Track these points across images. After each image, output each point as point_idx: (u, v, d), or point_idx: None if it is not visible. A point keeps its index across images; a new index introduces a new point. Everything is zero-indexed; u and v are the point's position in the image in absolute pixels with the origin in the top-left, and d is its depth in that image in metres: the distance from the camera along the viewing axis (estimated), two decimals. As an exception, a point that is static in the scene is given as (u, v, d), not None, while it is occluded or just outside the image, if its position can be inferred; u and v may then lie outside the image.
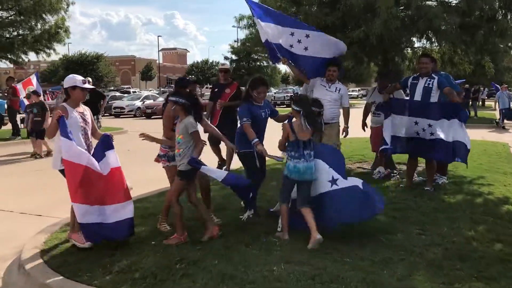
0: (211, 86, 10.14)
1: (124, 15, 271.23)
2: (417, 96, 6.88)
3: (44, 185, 8.14)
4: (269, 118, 5.78)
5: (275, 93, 44.94)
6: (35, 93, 12.45)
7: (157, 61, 78.65)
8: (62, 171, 4.71)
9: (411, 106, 7.06)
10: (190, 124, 4.77)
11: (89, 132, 4.96)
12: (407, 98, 7.44)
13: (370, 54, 8.27)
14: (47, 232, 5.35)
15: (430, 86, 6.79)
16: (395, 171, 8.52)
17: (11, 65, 17.79)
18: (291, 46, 6.87)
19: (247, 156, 5.58)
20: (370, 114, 8.55)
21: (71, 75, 4.95)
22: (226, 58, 35.50)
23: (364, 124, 8.51)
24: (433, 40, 8.42)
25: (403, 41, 7.64)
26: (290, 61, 6.99)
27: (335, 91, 7.06)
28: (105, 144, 4.83)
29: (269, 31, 6.72)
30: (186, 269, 4.12)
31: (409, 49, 8.72)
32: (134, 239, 4.93)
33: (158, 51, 77.10)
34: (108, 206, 4.69)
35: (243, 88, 7.04)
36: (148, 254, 4.50)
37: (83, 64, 52.94)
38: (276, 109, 6.06)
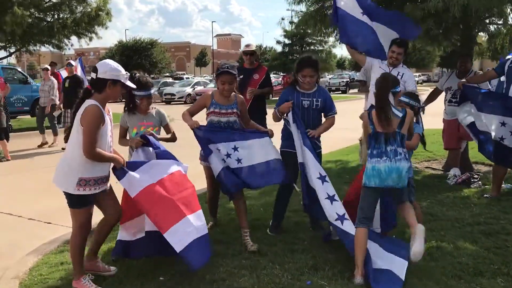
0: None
1: (181, 1, 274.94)
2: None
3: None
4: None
5: (330, 78, 43.05)
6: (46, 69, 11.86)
7: (211, 47, 78.32)
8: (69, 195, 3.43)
9: (497, 101, 5.57)
10: None
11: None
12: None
13: (448, 30, 6.64)
14: (39, 253, 4.34)
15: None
16: (474, 175, 6.94)
17: (73, 52, 17.33)
18: (363, 13, 5.74)
19: (284, 156, 4.51)
20: (445, 103, 7.03)
21: (111, 63, 3.48)
22: (278, 42, 33.93)
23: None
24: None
25: (495, 13, 5.96)
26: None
27: (398, 75, 5.67)
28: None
29: None
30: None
31: (497, 25, 6.94)
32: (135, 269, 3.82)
33: (213, 37, 77.20)
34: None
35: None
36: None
37: (138, 50, 53.01)
38: (335, 108, 4.67)
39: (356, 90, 40.93)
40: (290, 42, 32.93)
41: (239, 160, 4.28)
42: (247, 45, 7.05)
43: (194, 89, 29.46)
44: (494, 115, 5.62)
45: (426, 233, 3.75)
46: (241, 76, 6.79)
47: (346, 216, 3.90)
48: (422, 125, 4.49)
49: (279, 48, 35.21)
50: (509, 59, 5.77)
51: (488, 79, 6.35)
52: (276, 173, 4.32)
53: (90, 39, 15.05)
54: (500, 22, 6.36)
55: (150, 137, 3.98)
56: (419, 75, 57.63)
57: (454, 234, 4.53)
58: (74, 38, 15.26)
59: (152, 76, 52.99)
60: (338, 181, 6.79)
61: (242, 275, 3.66)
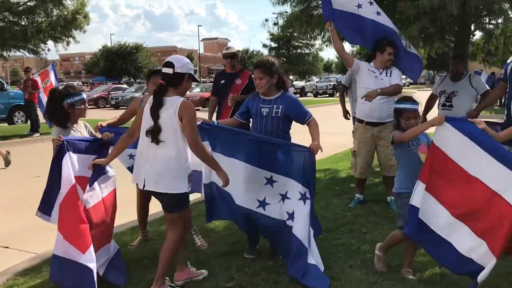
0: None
1: (167, 6, 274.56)
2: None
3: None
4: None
5: (317, 82, 42.71)
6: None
7: (198, 51, 77.73)
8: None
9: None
10: None
11: None
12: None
13: (443, 29, 6.17)
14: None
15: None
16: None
17: (57, 57, 16.74)
18: (359, 6, 5.54)
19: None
20: (438, 107, 6.58)
21: (184, 58, 3.44)
22: (265, 46, 33.60)
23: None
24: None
25: (494, 10, 5.50)
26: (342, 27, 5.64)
27: (387, 76, 5.40)
28: None
29: None
30: None
31: (500, 20, 6.44)
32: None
33: (199, 41, 76.36)
34: None
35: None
36: None
37: (122, 54, 52.38)
38: (308, 111, 4.08)
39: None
40: (276, 45, 32.60)
41: None
42: (227, 48, 6.44)
43: (179, 94, 28.87)
44: None
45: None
46: (222, 82, 6.27)
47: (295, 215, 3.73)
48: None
49: (265, 52, 34.86)
50: (509, 63, 5.33)
51: (502, 95, 5.92)
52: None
53: (68, 43, 14.41)
54: (500, 20, 5.90)
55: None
56: (405, 77, 57.68)
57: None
58: (51, 43, 14.63)
59: (138, 81, 52.35)
60: (328, 193, 6.31)
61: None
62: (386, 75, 5.43)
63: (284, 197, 3.84)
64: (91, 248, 3.32)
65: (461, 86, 6.18)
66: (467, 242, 3.22)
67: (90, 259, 3.28)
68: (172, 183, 3.21)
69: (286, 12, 8.27)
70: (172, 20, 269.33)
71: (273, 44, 32.65)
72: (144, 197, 4.48)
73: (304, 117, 4.03)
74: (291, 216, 3.79)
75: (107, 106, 30.19)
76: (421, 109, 3.77)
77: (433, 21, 5.70)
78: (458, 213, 3.28)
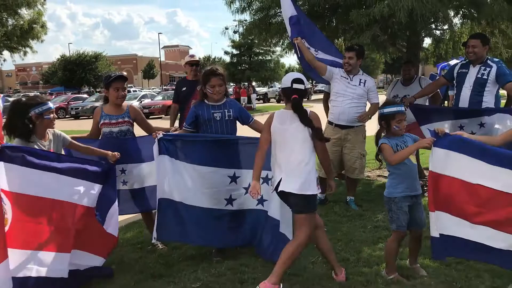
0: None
1: (126, 14, 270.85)
2: (466, 89, 5.25)
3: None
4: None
5: (279, 88, 43.13)
6: None
7: (159, 59, 77.04)
8: None
9: (449, 114, 5.48)
10: None
11: None
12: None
13: (394, 36, 6.52)
14: None
15: (485, 77, 5.16)
16: (426, 182, 6.82)
17: (13, 67, 16.26)
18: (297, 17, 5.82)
19: None
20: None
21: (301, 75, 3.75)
22: (226, 53, 33.63)
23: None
24: (470, 17, 6.71)
25: (439, 18, 5.87)
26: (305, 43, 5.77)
27: (360, 85, 5.57)
28: None
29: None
30: None
31: (442, 29, 6.91)
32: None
33: (160, 48, 75.73)
34: None
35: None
36: None
37: (81, 64, 51.34)
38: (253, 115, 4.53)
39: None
40: (238, 52, 32.73)
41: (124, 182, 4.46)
42: (191, 55, 6.58)
43: (141, 102, 28.61)
44: (451, 120, 5.47)
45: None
46: (184, 89, 6.38)
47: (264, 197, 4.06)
48: None
49: (227, 59, 34.92)
50: (456, 64, 5.69)
51: (439, 88, 6.28)
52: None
53: (25, 53, 14.18)
54: (445, 27, 6.30)
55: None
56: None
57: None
58: (6, 53, 14.33)
59: (98, 90, 51.45)
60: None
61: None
62: (359, 84, 5.56)
63: (247, 189, 4.10)
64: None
65: (412, 90, 6.51)
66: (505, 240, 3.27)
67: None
68: (309, 185, 3.46)
69: (245, 20, 8.49)
70: (132, 28, 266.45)
71: (235, 51, 32.75)
72: None
73: (249, 118, 4.44)
74: (260, 201, 4.12)
75: (66, 116, 29.62)
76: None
77: (384, 29, 6.04)
78: (481, 221, 3.36)
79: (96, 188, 3.77)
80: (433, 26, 6.53)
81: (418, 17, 5.29)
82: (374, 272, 3.81)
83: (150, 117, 24.89)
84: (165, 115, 24.93)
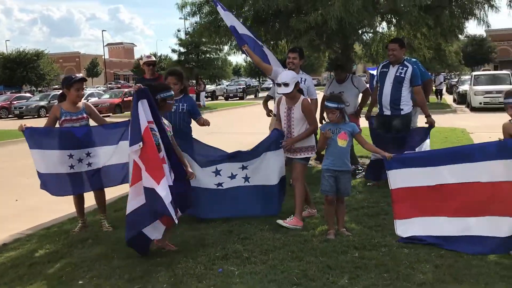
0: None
1: (66, 10, 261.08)
2: (387, 87, 6.21)
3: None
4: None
5: (227, 85, 43.88)
6: None
7: (103, 57, 75.55)
8: None
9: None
10: None
11: None
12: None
13: (328, 40, 7.48)
14: None
15: (402, 75, 6.13)
16: (359, 167, 7.85)
17: None
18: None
19: None
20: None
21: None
22: (173, 51, 33.94)
23: (322, 118, 7.77)
24: (394, 23, 7.78)
25: (364, 25, 6.87)
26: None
27: (301, 82, 6.30)
28: None
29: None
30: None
31: (369, 34, 7.99)
32: (55, 275, 3.97)
33: (104, 46, 74.08)
34: None
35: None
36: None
37: (22, 62, 49.64)
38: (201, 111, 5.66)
39: (252, 96, 42.38)
40: (185, 50, 33.08)
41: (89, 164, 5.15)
42: (148, 56, 7.27)
43: (87, 100, 28.44)
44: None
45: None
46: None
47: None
48: None
49: (174, 57, 35.19)
50: (379, 65, 6.67)
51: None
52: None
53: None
54: (371, 32, 7.29)
55: None
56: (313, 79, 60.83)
57: (347, 218, 5.17)
58: None
59: (39, 89, 49.97)
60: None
61: (159, 271, 3.95)
62: (301, 81, 5.97)
63: (232, 177, 5.28)
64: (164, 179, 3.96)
65: (345, 87, 7.47)
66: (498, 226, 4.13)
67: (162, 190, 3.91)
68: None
69: (196, 22, 9.18)
70: (73, 24, 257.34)
71: (182, 49, 33.08)
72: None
73: (197, 114, 5.46)
74: (246, 179, 5.31)
75: (9, 116, 28.86)
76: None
77: (320, 34, 6.95)
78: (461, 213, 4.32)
79: None
80: (361, 32, 7.51)
81: (347, 24, 6.23)
82: (311, 234, 4.68)
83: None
84: (112, 113, 25.06)
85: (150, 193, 3.94)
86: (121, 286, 3.72)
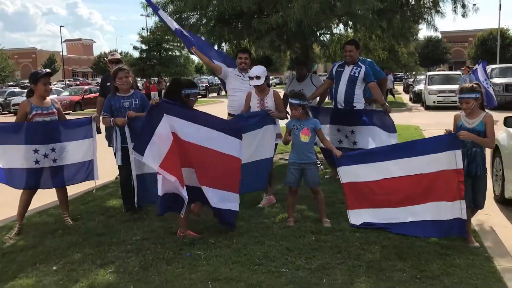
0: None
1: (21, 3, 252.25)
2: (342, 85, 6.61)
3: None
4: None
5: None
6: None
7: (61, 53, 73.68)
8: None
9: (333, 114, 6.82)
10: None
11: None
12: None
13: (288, 41, 7.86)
14: None
15: (356, 75, 6.54)
16: (318, 162, 8.25)
17: None
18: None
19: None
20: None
21: None
22: (135, 48, 33.65)
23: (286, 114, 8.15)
24: (350, 25, 8.23)
25: (322, 27, 7.28)
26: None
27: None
28: None
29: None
30: (95, 299, 3.45)
31: (327, 35, 8.43)
32: (29, 262, 4.16)
33: (62, 42, 72.23)
34: None
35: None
36: (47, 284, 3.75)
37: (-25, 57, 47.99)
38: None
39: (215, 94, 42.53)
40: (147, 47, 32.89)
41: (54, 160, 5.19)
42: (113, 54, 7.44)
43: (47, 98, 27.82)
44: (330, 124, 6.83)
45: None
46: (108, 84, 7.18)
47: None
48: None
49: (136, 54, 34.89)
50: (334, 65, 7.07)
51: (327, 88, 7.55)
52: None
53: None
54: (328, 34, 7.72)
55: None
56: (272, 78, 61.56)
57: (305, 207, 5.60)
58: None
59: (-6, 85, 48.43)
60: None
61: (129, 257, 4.22)
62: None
63: None
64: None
65: (305, 85, 7.84)
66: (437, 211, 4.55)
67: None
68: None
69: (160, 21, 9.36)
70: (28, 19, 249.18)
71: (144, 47, 32.87)
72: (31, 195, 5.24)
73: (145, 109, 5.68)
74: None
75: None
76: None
77: (280, 35, 7.31)
78: (403, 203, 4.76)
79: None
80: (319, 33, 7.93)
81: (306, 26, 6.61)
82: (271, 221, 5.04)
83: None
84: (72, 111, 24.76)
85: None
86: (94, 271, 3.95)
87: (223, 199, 4.71)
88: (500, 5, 44.84)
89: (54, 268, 4.05)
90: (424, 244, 4.35)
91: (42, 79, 5.15)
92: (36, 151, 5.13)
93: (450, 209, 4.49)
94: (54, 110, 5.29)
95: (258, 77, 5.57)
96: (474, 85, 4.43)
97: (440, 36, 61.26)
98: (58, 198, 5.49)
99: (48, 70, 5.36)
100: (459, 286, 3.55)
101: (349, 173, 5.04)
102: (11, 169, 5.09)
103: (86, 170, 5.40)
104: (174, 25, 6.74)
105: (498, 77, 20.74)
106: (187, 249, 4.34)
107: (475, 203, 4.51)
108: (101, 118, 5.56)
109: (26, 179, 5.11)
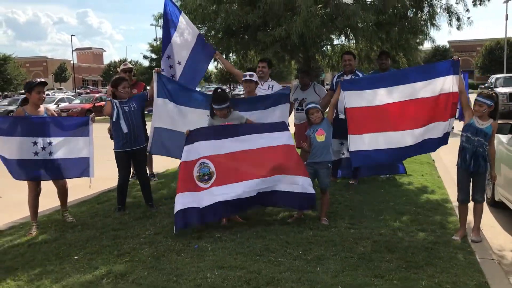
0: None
1: (32, 13, 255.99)
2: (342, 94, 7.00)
3: None
4: None
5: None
6: None
7: (71, 62, 74.83)
8: None
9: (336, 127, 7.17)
10: None
11: None
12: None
13: (292, 52, 8.32)
14: None
15: (354, 83, 6.94)
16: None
17: None
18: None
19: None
20: (293, 110, 8.63)
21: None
22: (145, 57, 34.40)
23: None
24: (351, 37, 8.66)
25: (323, 39, 7.72)
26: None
27: (269, 89, 6.99)
28: None
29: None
30: (114, 283, 3.88)
31: (328, 46, 8.86)
32: (52, 252, 4.60)
33: (72, 51, 73.32)
34: None
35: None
36: (70, 270, 4.18)
37: (-12, 66, 48.89)
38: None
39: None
40: (157, 57, 33.54)
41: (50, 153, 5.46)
42: (125, 64, 7.98)
43: (58, 105, 28.54)
44: (333, 138, 7.23)
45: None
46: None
47: None
48: None
49: (146, 63, 35.57)
50: (335, 76, 7.48)
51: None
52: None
53: None
54: (328, 45, 8.15)
55: None
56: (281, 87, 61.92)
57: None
58: None
59: (5, 93, 49.25)
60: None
61: (143, 248, 4.65)
62: (268, 88, 6.91)
63: None
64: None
65: (308, 94, 8.25)
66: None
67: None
68: None
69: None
70: (39, 28, 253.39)
71: (154, 56, 33.53)
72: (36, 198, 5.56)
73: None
74: None
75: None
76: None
77: (284, 46, 7.77)
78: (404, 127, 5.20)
79: None
80: (320, 45, 8.37)
81: (307, 39, 7.05)
82: (273, 219, 5.45)
83: (70, 120, 25.13)
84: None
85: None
86: (111, 260, 4.39)
87: (292, 182, 5.17)
88: (507, 15, 45.12)
89: (75, 257, 4.49)
90: (413, 240, 4.74)
91: (36, 87, 5.39)
92: (35, 143, 5.34)
93: (443, 127, 5.12)
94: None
95: (251, 75, 6.18)
96: (493, 94, 4.86)
97: (447, 45, 61.55)
98: (58, 195, 5.76)
99: (42, 79, 5.61)
100: (440, 275, 3.93)
101: (355, 98, 5.38)
102: (14, 160, 5.29)
103: (81, 166, 5.62)
104: (196, 30, 7.01)
105: (502, 87, 21.05)
106: (195, 242, 4.76)
107: (473, 197, 4.90)
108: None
109: (27, 170, 5.36)
